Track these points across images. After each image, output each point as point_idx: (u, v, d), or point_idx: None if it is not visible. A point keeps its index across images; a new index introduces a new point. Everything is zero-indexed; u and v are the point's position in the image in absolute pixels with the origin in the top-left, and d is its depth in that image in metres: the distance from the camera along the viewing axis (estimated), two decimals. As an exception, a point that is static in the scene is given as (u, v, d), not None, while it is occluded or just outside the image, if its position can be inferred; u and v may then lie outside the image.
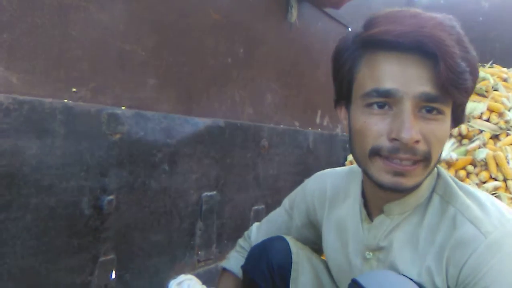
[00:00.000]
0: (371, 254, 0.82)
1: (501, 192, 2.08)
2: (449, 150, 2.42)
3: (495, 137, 2.51)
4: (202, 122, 1.34)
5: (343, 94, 0.76)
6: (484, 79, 2.84)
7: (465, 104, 0.74)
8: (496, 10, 3.27)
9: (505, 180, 2.18)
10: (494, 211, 0.71)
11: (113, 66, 1.14)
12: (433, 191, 0.77)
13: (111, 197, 1.08)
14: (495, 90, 2.79)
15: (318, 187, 0.99)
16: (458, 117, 0.73)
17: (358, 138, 0.72)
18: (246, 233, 1.11)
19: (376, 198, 0.81)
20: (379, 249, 0.80)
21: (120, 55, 1.15)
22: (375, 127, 0.68)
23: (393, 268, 0.77)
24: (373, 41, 0.69)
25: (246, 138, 1.52)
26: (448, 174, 0.80)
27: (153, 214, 1.19)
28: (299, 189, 1.05)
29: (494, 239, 0.67)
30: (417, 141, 0.66)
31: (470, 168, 2.32)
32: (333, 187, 0.96)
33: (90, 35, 1.07)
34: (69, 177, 0.99)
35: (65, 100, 1.02)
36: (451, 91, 0.65)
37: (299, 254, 0.96)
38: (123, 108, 1.14)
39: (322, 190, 0.98)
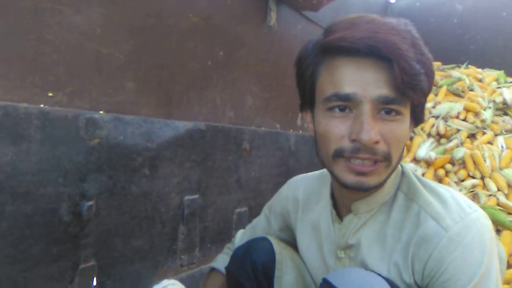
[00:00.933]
0: (342, 253, 0.85)
1: (479, 190, 2.12)
2: (428, 150, 2.46)
3: (472, 136, 2.57)
4: (182, 126, 1.33)
5: (307, 98, 0.79)
6: (460, 79, 2.90)
7: (423, 104, 0.76)
8: (470, 13, 3.34)
9: (482, 177, 2.22)
10: (454, 206, 0.74)
11: (90, 70, 1.12)
12: (398, 189, 0.80)
13: (90, 202, 1.06)
14: (471, 90, 2.86)
15: (291, 192, 1.03)
16: (417, 117, 0.77)
17: (322, 140, 0.75)
18: (232, 239, 1.16)
19: (343, 198, 0.84)
20: (349, 247, 0.83)
21: (97, 58, 1.13)
22: (337, 129, 0.72)
23: (364, 265, 0.80)
24: (331, 48, 0.72)
25: (227, 141, 1.51)
26: (412, 171, 0.83)
27: (134, 219, 1.17)
28: (276, 195, 1.09)
29: (454, 232, 0.71)
30: (376, 142, 0.69)
31: (448, 166, 2.36)
32: (305, 192, 1.00)
33: (66, 39, 1.05)
34: (46, 184, 0.96)
35: (41, 105, 1.00)
36: (407, 92, 0.68)
37: (282, 253, 0.97)
38: (101, 112, 1.12)
39: (295, 195, 1.02)
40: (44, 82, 1.02)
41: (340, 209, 0.87)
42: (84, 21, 1.09)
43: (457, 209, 0.74)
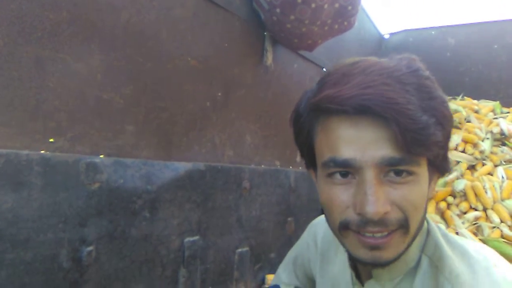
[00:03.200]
0: None
1: (482, 222, 2.10)
2: (428, 183, 2.45)
3: (472, 168, 2.57)
4: (182, 167, 1.34)
5: (307, 159, 0.72)
6: (456, 111, 2.93)
7: (443, 154, 0.64)
8: (462, 46, 3.42)
9: (484, 209, 2.21)
10: (483, 276, 0.63)
11: (91, 115, 1.14)
12: (422, 251, 0.69)
13: (90, 248, 1.05)
14: (468, 121, 2.89)
15: (311, 239, 0.93)
16: (440, 167, 0.65)
17: (326, 210, 0.66)
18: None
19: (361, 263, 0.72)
20: None
21: (98, 103, 1.16)
22: (339, 200, 0.62)
23: None
24: (321, 108, 0.63)
25: (227, 180, 1.52)
26: (438, 228, 0.72)
27: (134, 263, 1.16)
28: (297, 244, 1.00)
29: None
30: (386, 212, 0.59)
31: (450, 199, 2.35)
32: (324, 239, 0.89)
33: (67, 86, 1.08)
34: (46, 230, 0.96)
35: (42, 151, 1.01)
36: (415, 150, 0.58)
37: None
38: (101, 156, 1.14)
39: (315, 241, 0.92)
40: (46, 128, 1.04)
41: (360, 270, 0.76)
42: (85, 68, 1.12)
43: (486, 280, 0.62)
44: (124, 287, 1.13)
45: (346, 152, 0.60)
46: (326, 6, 1.63)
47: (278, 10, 1.67)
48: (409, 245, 0.64)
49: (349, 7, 1.71)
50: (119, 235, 1.13)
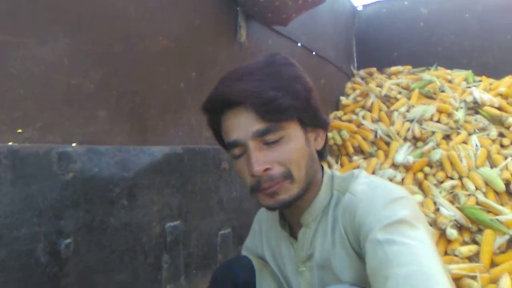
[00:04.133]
0: (303, 266, 0.92)
1: (458, 191, 2.15)
2: (405, 154, 2.49)
3: (447, 137, 2.62)
4: (159, 151, 1.31)
5: (221, 143, 0.92)
6: (430, 81, 2.96)
7: (309, 114, 0.85)
8: (435, 16, 3.43)
9: (460, 178, 2.26)
10: (373, 183, 0.84)
11: (60, 102, 1.09)
12: (332, 189, 0.90)
13: (68, 240, 1.02)
14: (442, 91, 2.92)
15: (257, 225, 1.11)
16: (314, 124, 0.87)
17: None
18: None
19: (292, 217, 0.94)
20: (308, 258, 0.91)
21: (67, 90, 1.10)
22: (242, 170, 0.84)
23: (322, 270, 0.88)
24: (210, 109, 0.88)
25: (206, 162, 1.49)
26: (342, 173, 0.95)
27: (115, 252, 1.14)
28: (250, 232, 1.16)
29: (359, 191, 0.82)
30: (267, 169, 0.80)
31: (427, 169, 2.39)
32: (267, 222, 1.07)
33: (32, 72, 1.02)
34: (20, 225, 0.92)
35: (10, 143, 0.96)
36: (274, 117, 0.80)
37: (262, 270, 1.00)
38: (74, 145, 1.09)
39: (259, 226, 1.09)
40: (12, 118, 0.98)
41: (294, 229, 0.95)
42: (50, 53, 1.06)
43: (370, 182, 0.84)
44: (106, 278, 1.11)
45: (233, 135, 0.83)
46: (299, -21, 1.59)
47: (250, -16, 1.61)
48: (303, 188, 0.83)
49: (323, -20, 1.67)
50: (98, 225, 1.09)
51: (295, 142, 0.82)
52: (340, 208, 0.85)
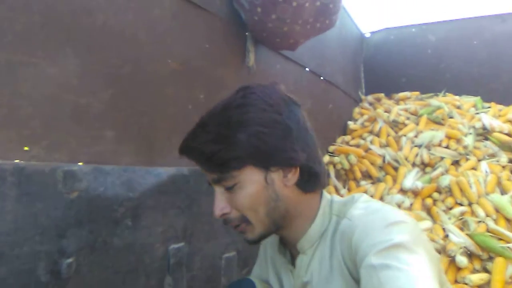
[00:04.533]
0: None
1: (467, 217, 2.11)
2: (413, 179, 2.46)
3: (456, 163, 2.59)
4: (165, 172, 1.31)
5: None
6: (439, 107, 2.95)
7: (264, 157, 0.84)
8: (443, 43, 3.45)
9: (470, 204, 2.22)
10: (371, 207, 0.83)
11: (67, 121, 1.10)
12: (331, 214, 0.90)
13: (70, 259, 1.01)
14: (451, 117, 2.91)
15: (263, 250, 1.12)
16: (274, 163, 0.84)
17: None
18: None
19: (288, 243, 0.96)
20: (304, 285, 0.91)
21: (75, 109, 1.11)
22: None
23: None
24: None
25: (211, 184, 1.49)
26: (341, 197, 0.97)
27: (118, 273, 1.12)
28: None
29: (356, 216, 0.81)
30: (225, 213, 0.85)
31: (436, 195, 2.36)
32: (271, 246, 1.07)
33: (41, 91, 1.04)
34: (22, 243, 0.92)
35: (17, 160, 0.96)
36: (219, 169, 0.83)
37: None
38: (80, 164, 1.09)
39: (264, 251, 1.10)
40: (20, 136, 0.99)
41: (293, 255, 0.96)
42: (60, 73, 1.08)
43: (368, 206, 0.84)
44: (107, 299, 1.09)
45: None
46: (307, 4, 1.61)
47: (259, 9, 1.64)
48: (269, 227, 0.86)
49: (331, 5, 1.70)
50: (101, 245, 1.09)
51: (249, 187, 0.83)
52: (338, 233, 0.85)
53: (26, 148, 1.01)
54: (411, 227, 0.76)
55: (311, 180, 0.89)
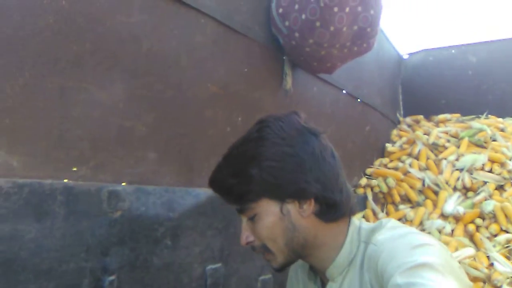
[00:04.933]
0: None
1: (514, 245, 2.02)
2: (455, 204, 2.39)
3: (500, 188, 2.49)
4: (203, 193, 1.33)
5: None
6: (481, 130, 2.87)
7: (278, 190, 0.87)
8: (484, 64, 3.37)
9: (516, 232, 2.12)
10: (398, 231, 0.84)
11: (113, 143, 1.15)
12: (359, 241, 0.90)
13: (112, 277, 1.04)
14: (494, 140, 2.81)
15: (293, 273, 1.11)
16: (288, 195, 0.87)
17: None
18: None
19: (318, 270, 0.97)
20: None
21: (120, 131, 1.17)
22: None
23: None
24: None
25: (248, 205, 1.50)
26: (369, 222, 0.97)
27: (157, 292, 1.15)
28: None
29: (382, 241, 0.82)
30: (248, 243, 0.90)
31: (479, 221, 2.27)
32: (302, 267, 1.06)
33: (90, 115, 1.09)
34: (68, 259, 0.96)
35: (65, 180, 1.02)
36: (237, 202, 0.89)
37: None
38: (123, 184, 1.14)
39: (295, 274, 1.09)
40: (69, 157, 1.05)
41: (324, 282, 0.97)
42: (108, 97, 1.14)
43: (394, 231, 0.84)
44: (146, 317, 1.11)
45: None
46: (345, 29, 1.63)
47: (297, 34, 1.67)
48: (290, 256, 0.90)
49: (368, 29, 1.71)
50: (141, 263, 1.12)
51: (266, 219, 0.87)
52: (366, 260, 0.85)
53: (74, 169, 1.06)
54: (437, 250, 0.76)
55: (330, 210, 0.90)
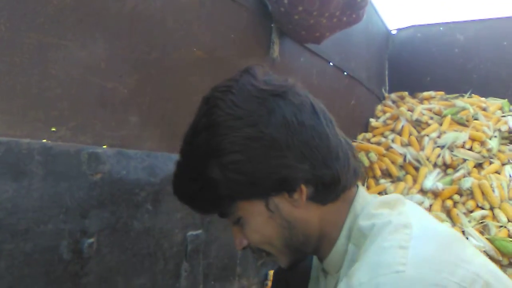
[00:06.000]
0: None
1: (488, 221, 2.07)
2: (434, 180, 2.43)
3: (479, 166, 2.54)
4: (186, 159, 1.32)
5: None
6: (464, 108, 2.90)
7: (252, 188, 0.70)
8: (471, 43, 3.37)
9: (491, 208, 2.18)
10: (379, 259, 0.61)
11: (94, 104, 1.12)
12: (349, 242, 0.74)
13: (91, 240, 1.03)
14: (476, 119, 2.85)
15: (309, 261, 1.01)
16: (268, 193, 0.71)
17: None
18: None
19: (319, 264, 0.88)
20: None
21: (101, 93, 1.13)
22: None
23: None
24: None
25: (231, 173, 1.49)
26: (362, 220, 0.73)
27: (136, 256, 1.14)
28: None
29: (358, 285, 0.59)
30: (246, 246, 0.78)
31: (456, 197, 2.32)
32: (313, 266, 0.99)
33: (70, 74, 1.05)
34: (47, 221, 0.94)
35: (44, 140, 0.99)
36: (209, 210, 0.80)
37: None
38: (104, 147, 1.11)
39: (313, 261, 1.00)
40: (48, 117, 1.01)
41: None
42: (89, 56, 1.10)
43: (374, 267, 0.60)
44: (125, 280, 1.11)
45: None
46: (335, -3, 1.60)
47: (286, 1, 1.63)
48: (293, 254, 0.77)
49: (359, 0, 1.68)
50: (121, 227, 1.10)
51: (252, 221, 0.72)
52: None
53: (53, 129, 1.03)
54: None
55: (330, 188, 0.72)
